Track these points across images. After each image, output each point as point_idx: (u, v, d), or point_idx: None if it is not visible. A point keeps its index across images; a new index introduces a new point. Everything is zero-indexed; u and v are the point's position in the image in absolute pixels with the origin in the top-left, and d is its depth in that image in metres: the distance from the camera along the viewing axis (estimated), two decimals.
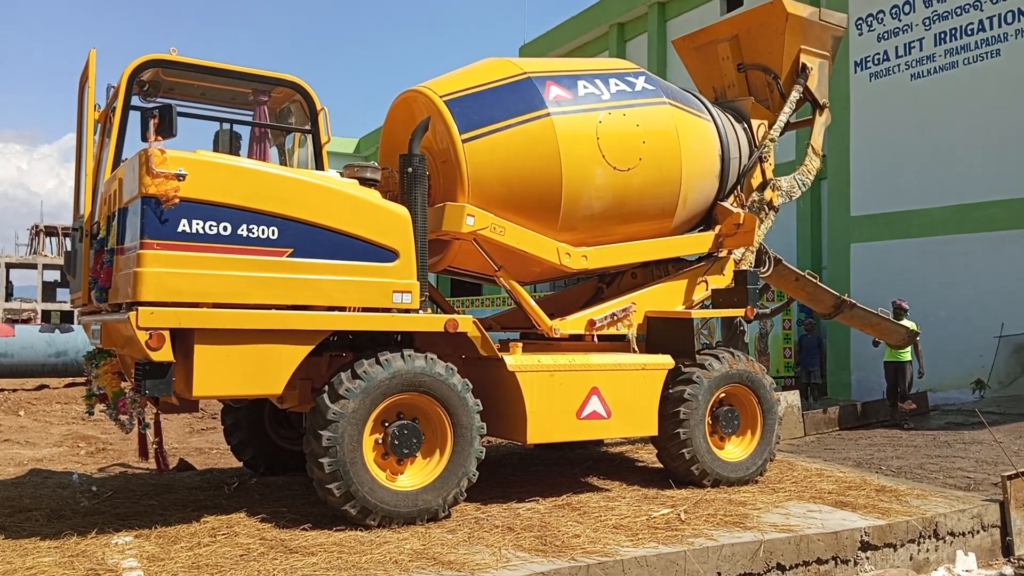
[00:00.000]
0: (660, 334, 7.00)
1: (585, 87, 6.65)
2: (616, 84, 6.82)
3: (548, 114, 6.33)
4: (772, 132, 7.89)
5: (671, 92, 7.19)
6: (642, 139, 6.71)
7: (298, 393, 5.66)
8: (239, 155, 6.02)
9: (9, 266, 51.19)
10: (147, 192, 4.77)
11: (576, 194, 6.45)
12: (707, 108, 7.44)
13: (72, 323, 22.57)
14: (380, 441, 5.47)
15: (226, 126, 6.19)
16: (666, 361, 6.69)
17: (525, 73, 6.50)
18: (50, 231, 54.30)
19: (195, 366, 4.89)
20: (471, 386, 5.72)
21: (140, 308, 4.74)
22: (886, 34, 16.69)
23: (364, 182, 5.74)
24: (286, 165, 6.57)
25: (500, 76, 6.45)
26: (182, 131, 5.02)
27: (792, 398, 11.19)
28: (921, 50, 16.06)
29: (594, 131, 6.49)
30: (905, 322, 11.73)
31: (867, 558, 5.70)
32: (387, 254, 5.51)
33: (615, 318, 6.87)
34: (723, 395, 6.95)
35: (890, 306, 11.97)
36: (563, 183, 6.35)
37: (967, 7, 15.31)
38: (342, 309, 5.37)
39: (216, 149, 6.00)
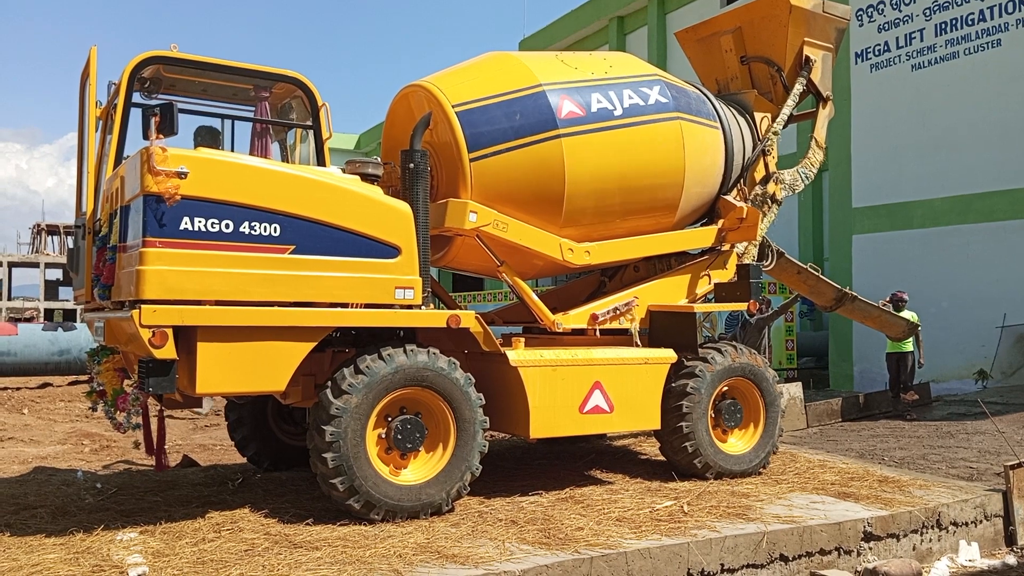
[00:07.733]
0: (663, 328, 7.00)
1: (599, 101, 6.56)
2: (630, 97, 6.73)
3: (559, 135, 6.32)
4: (775, 125, 7.87)
5: (683, 101, 7.05)
6: (649, 155, 6.76)
7: (301, 389, 5.67)
8: (220, 149, 5.99)
9: (11, 265, 51.21)
10: (149, 190, 4.78)
11: (578, 193, 6.46)
12: (712, 103, 7.42)
13: (75, 321, 22.61)
14: (383, 436, 5.48)
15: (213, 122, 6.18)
16: (669, 355, 6.69)
17: (540, 86, 6.39)
18: (52, 230, 54.31)
19: (198, 363, 4.90)
20: (474, 380, 5.73)
21: (143, 306, 4.75)
22: (887, 25, 16.63)
23: (366, 178, 5.73)
24: (288, 161, 6.57)
25: (513, 88, 6.32)
26: (183, 128, 5.02)
27: (795, 390, 11.21)
28: (922, 40, 16.00)
29: (601, 150, 6.50)
30: (905, 313, 11.75)
31: (870, 548, 5.71)
32: (389, 250, 5.51)
33: (618, 312, 6.87)
34: (726, 388, 6.96)
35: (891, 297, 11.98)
36: (566, 188, 6.39)
37: None
38: (344, 305, 5.38)
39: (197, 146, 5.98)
